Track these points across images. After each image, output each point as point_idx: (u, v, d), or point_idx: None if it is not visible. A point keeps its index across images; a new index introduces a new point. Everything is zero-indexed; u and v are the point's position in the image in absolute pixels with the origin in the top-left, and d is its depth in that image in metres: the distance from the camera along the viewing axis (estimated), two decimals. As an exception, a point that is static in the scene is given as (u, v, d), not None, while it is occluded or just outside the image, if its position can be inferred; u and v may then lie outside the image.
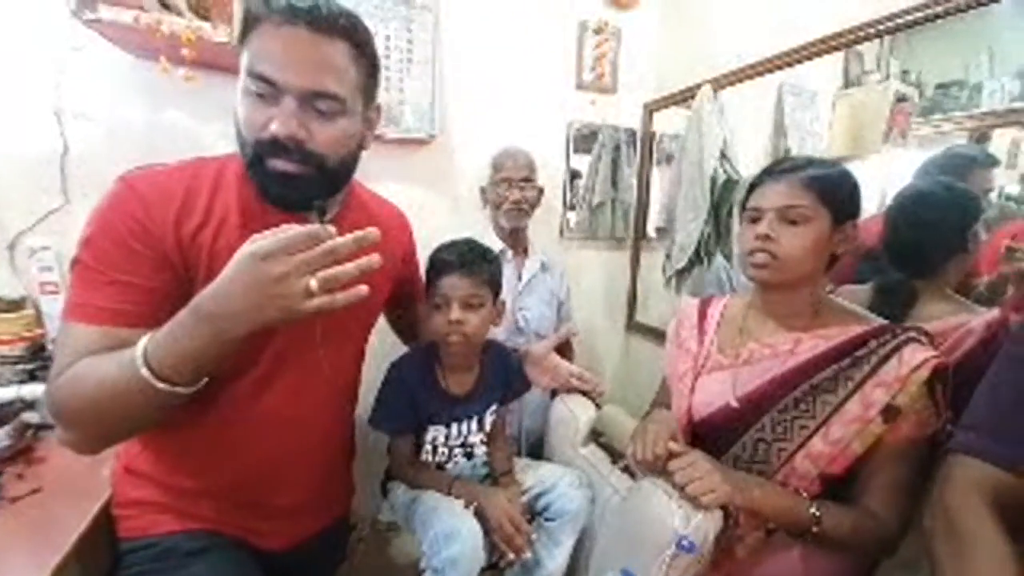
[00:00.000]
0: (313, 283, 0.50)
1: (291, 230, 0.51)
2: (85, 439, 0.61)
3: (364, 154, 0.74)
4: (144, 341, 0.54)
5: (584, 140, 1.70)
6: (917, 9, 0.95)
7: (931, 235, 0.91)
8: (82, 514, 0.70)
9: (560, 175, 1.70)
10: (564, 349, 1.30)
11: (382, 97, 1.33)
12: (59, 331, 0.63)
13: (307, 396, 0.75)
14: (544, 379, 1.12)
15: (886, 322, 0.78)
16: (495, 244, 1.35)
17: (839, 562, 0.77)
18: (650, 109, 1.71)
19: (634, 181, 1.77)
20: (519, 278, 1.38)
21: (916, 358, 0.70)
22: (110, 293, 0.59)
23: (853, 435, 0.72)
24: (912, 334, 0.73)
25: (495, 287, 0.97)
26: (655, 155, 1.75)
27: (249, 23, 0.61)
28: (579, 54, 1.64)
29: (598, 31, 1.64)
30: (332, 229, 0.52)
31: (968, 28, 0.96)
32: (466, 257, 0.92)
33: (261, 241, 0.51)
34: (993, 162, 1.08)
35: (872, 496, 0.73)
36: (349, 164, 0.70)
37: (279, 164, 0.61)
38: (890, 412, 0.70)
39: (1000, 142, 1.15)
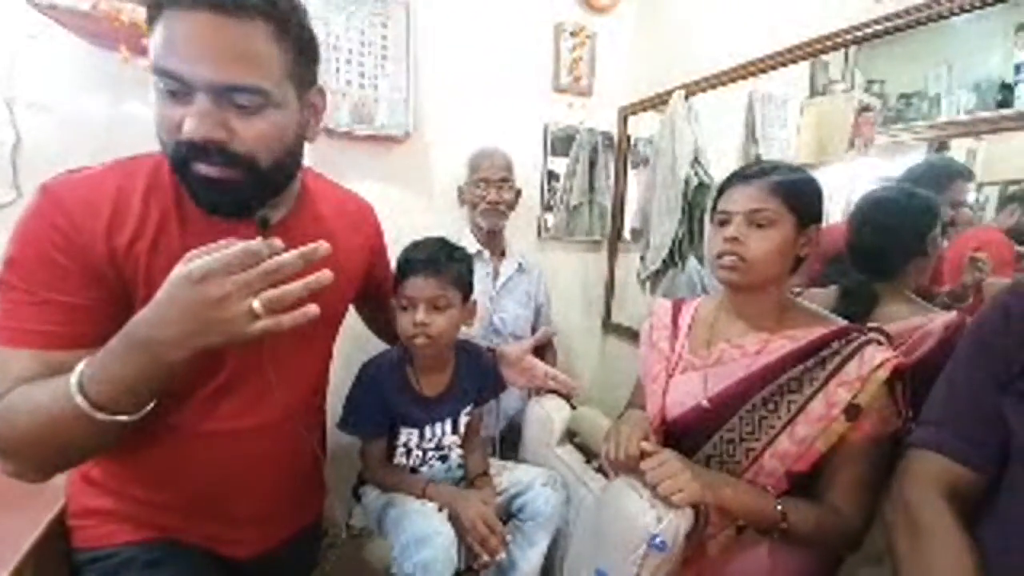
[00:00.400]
0: (256, 305, 0.46)
1: (229, 247, 0.46)
2: (29, 470, 0.56)
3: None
4: (80, 368, 0.50)
5: (561, 142, 1.71)
6: (877, 22, 0.99)
7: (891, 239, 0.95)
8: (34, 524, 0.67)
9: (537, 176, 1.71)
10: (545, 350, 1.30)
11: (357, 93, 1.34)
12: None
13: (266, 405, 0.71)
14: (520, 380, 1.12)
15: (848, 323, 0.81)
16: (472, 244, 1.34)
17: (805, 558, 0.79)
18: (625, 113, 1.74)
19: (611, 183, 1.79)
20: (496, 279, 1.38)
21: (876, 358, 0.72)
22: (39, 314, 0.54)
23: (818, 433, 0.74)
24: (872, 335, 0.76)
25: (464, 287, 0.95)
26: (631, 158, 1.77)
27: (152, 12, 0.53)
28: (556, 57, 1.65)
29: (574, 34, 1.65)
30: (277, 243, 0.48)
31: (927, 42, 1.01)
32: (433, 257, 0.89)
33: (197, 261, 0.46)
34: (970, 175, 1.11)
35: (836, 493, 0.75)
36: (288, 161, 0.62)
37: (203, 169, 0.54)
38: (852, 411, 0.72)
39: (958, 151, 1.20)
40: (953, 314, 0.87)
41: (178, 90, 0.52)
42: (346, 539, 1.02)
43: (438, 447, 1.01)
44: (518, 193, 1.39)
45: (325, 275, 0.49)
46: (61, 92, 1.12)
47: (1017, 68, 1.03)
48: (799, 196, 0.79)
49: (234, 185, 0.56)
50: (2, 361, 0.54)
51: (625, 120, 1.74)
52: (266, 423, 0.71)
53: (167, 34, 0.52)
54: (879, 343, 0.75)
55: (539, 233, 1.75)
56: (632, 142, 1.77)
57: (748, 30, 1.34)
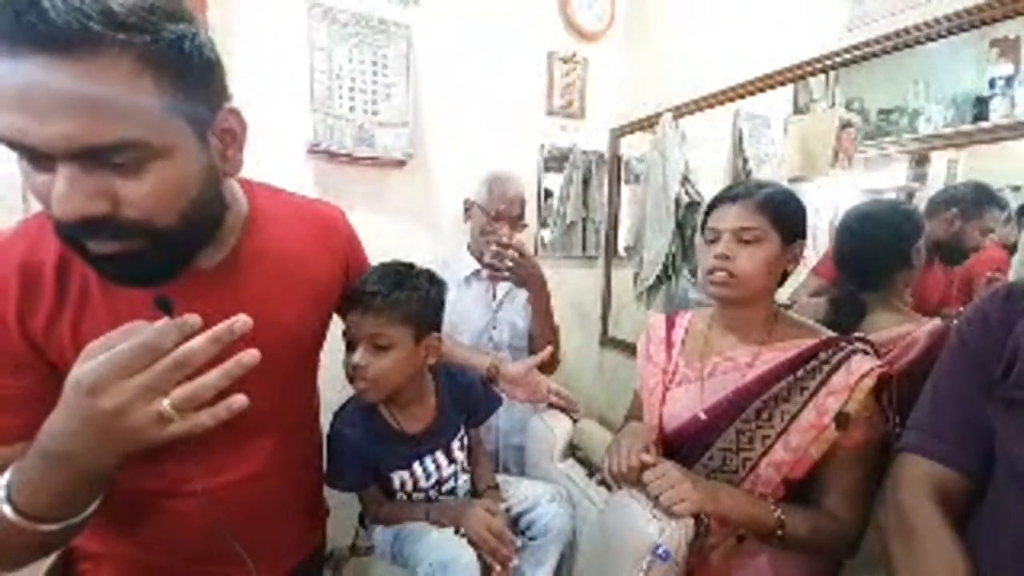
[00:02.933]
0: (165, 407, 0.40)
1: (123, 343, 0.39)
2: None
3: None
4: (6, 478, 0.44)
5: (556, 160, 1.77)
6: (856, 48, 1.05)
7: (876, 251, 0.99)
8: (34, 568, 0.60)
9: (533, 196, 1.75)
10: (547, 363, 1.29)
11: (357, 119, 1.39)
12: None
13: (249, 453, 0.65)
14: (523, 396, 1.12)
15: (835, 334, 0.84)
16: (470, 264, 1.35)
17: (806, 565, 0.81)
18: (616, 134, 1.80)
19: (604, 201, 1.84)
20: (494, 296, 1.40)
21: (863, 367, 0.75)
22: None
23: (810, 442, 0.76)
24: (858, 345, 0.79)
25: (418, 324, 0.82)
26: (623, 176, 1.82)
27: None
28: (549, 82, 1.72)
29: (566, 61, 1.72)
30: (189, 322, 0.41)
31: (904, 60, 1.05)
32: (374, 289, 0.77)
33: (83, 369, 0.39)
34: (1005, 205, 1.09)
35: (832, 499, 0.77)
36: (201, 211, 0.50)
37: (94, 246, 0.45)
38: (842, 419, 0.74)
39: (940, 163, 1.24)
40: (938, 321, 0.91)
41: (33, 159, 0.41)
42: (352, 560, 1.02)
43: (439, 482, 0.94)
44: (524, 225, 1.39)
45: (250, 355, 0.42)
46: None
47: (991, 82, 1.08)
48: (784, 214, 0.82)
49: (137, 257, 0.46)
50: None
51: (617, 141, 1.80)
52: (254, 471, 0.66)
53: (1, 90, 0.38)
54: (865, 352, 0.78)
55: (536, 251, 1.79)
56: (624, 161, 1.82)
57: (731, 55, 1.40)
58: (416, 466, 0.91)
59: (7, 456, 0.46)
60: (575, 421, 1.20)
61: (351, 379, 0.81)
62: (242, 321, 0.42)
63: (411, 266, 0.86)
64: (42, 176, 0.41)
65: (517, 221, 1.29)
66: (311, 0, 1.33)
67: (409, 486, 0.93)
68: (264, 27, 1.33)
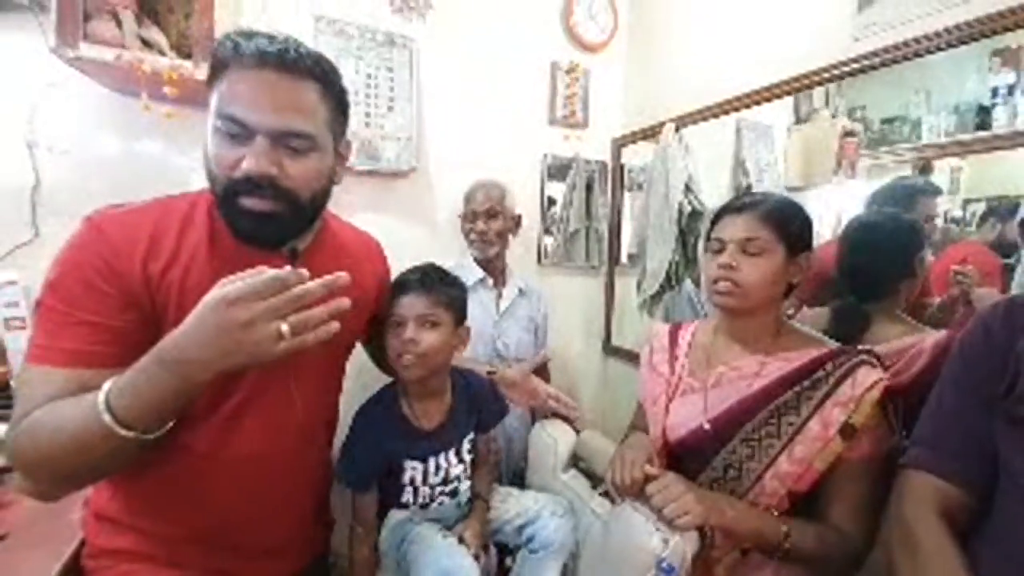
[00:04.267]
0: (284, 328, 0.50)
1: (260, 274, 0.51)
2: (45, 486, 0.60)
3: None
4: (107, 386, 0.53)
5: (559, 169, 1.77)
6: (855, 60, 1.06)
7: (880, 262, 0.99)
8: (50, 563, 0.67)
9: (537, 205, 1.76)
10: (540, 373, 1.32)
11: (364, 132, 1.40)
12: (20, 375, 0.61)
13: (280, 433, 0.74)
14: (522, 400, 1.13)
15: (841, 345, 0.84)
16: (474, 273, 1.37)
17: (811, 579, 0.80)
18: (618, 144, 1.81)
19: (607, 210, 1.85)
20: (498, 305, 1.41)
21: (869, 379, 0.75)
22: (76, 334, 0.58)
23: (815, 453, 0.76)
24: (864, 356, 0.78)
25: (457, 312, 0.95)
26: (625, 185, 1.83)
27: (218, 67, 0.62)
28: (552, 93, 1.73)
29: (569, 71, 1.73)
30: (304, 272, 0.52)
31: (906, 70, 1.06)
32: (425, 277, 0.92)
33: (229, 286, 0.50)
34: (935, 191, 1.16)
35: (837, 512, 0.77)
36: (321, 199, 0.71)
37: (251, 202, 0.62)
38: (848, 430, 0.74)
39: (943, 171, 1.24)
40: (943, 333, 0.90)
41: (239, 133, 0.61)
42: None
43: (445, 481, 0.99)
44: (516, 222, 1.44)
45: (344, 302, 0.54)
46: (79, 135, 1.17)
47: (994, 91, 1.07)
48: (789, 226, 0.83)
49: (277, 217, 0.63)
50: (31, 380, 0.58)
51: (619, 151, 1.81)
52: (282, 450, 0.75)
53: (233, 87, 0.61)
54: (871, 364, 0.78)
55: (539, 259, 1.80)
56: (627, 169, 1.83)
57: (733, 65, 1.41)
58: (430, 459, 0.97)
59: (97, 381, 0.55)
60: (578, 432, 1.20)
61: (399, 355, 0.90)
62: (345, 276, 0.54)
63: (442, 268, 0.99)
64: (234, 149, 0.61)
65: (492, 215, 1.38)
66: (318, 13, 1.35)
67: (419, 479, 0.97)
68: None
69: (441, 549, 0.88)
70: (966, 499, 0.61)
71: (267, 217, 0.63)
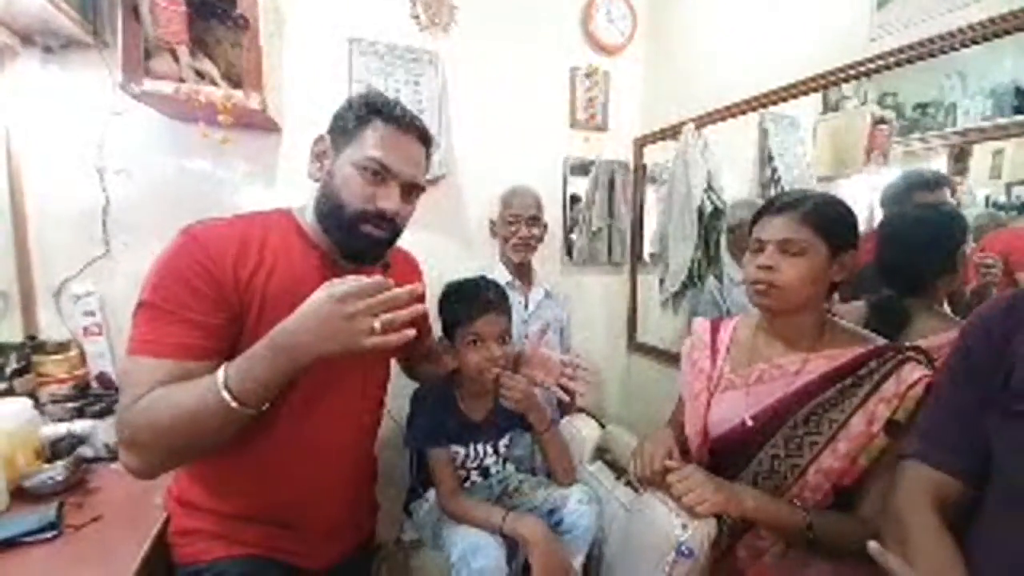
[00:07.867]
0: (377, 324, 0.61)
1: (363, 279, 0.63)
2: (157, 460, 0.67)
3: None
4: (223, 370, 0.63)
5: (581, 168, 1.81)
6: (891, 54, 1.05)
7: (922, 257, 0.97)
8: (139, 541, 0.77)
9: (559, 207, 1.81)
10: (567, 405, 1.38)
11: None
12: (124, 366, 0.71)
13: (344, 420, 0.85)
14: (540, 374, 1.12)
15: (886, 342, 0.83)
16: (503, 275, 1.44)
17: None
18: (639, 144, 1.83)
19: (629, 209, 1.88)
20: (526, 307, 1.47)
21: (913, 375, 0.74)
22: (178, 330, 0.67)
23: (859, 449, 0.76)
24: (911, 353, 0.78)
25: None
26: (647, 184, 1.86)
27: (364, 113, 0.77)
28: (572, 97, 1.77)
29: (589, 75, 1.77)
30: (391, 281, 0.64)
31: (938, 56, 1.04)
32: (497, 297, 1.06)
33: (340, 285, 0.62)
34: (938, 182, 1.14)
35: (866, 503, 0.77)
36: (400, 228, 0.85)
37: (373, 231, 0.77)
38: (892, 427, 0.74)
39: (984, 153, 1.20)
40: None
41: (379, 175, 0.76)
42: (397, 552, 1.11)
43: (480, 466, 1.13)
44: (546, 228, 1.50)
45: (420, 307, 0.66)
46: (141, 159, 1.29)
47: None
48: (831, 225, 0.81)
49: (385, 243, 0.80)
50: (142, 368, 0.66)
51: (640, 150, 1.84)
52: (346, 438, 0.87)
53: (383, 138, 0.77)
54: (917, 361, 0.77)
55: (568, 256, 1.85)
56: (649, 168, 1.85)
57: (751, 64, 1.42)
58: (471, 446, 1.10)
59: (197, 371, 0.65)
60: (603, 426, 1.25)
61: (483, 371, 1.03)
62: (421, 287, 0.66)
63: (493, 281, 1.13)
64: (372, 187, 0.76)
65: (534, 221, 1.44)
66: (351, 36, 1.44)
67: (459, 461, 1.10)
68: (310, 62, 1.43)
69: (470, 527, 0.97)
70: (962, 489, 0.62)
71: (379, 242, 0.79)
